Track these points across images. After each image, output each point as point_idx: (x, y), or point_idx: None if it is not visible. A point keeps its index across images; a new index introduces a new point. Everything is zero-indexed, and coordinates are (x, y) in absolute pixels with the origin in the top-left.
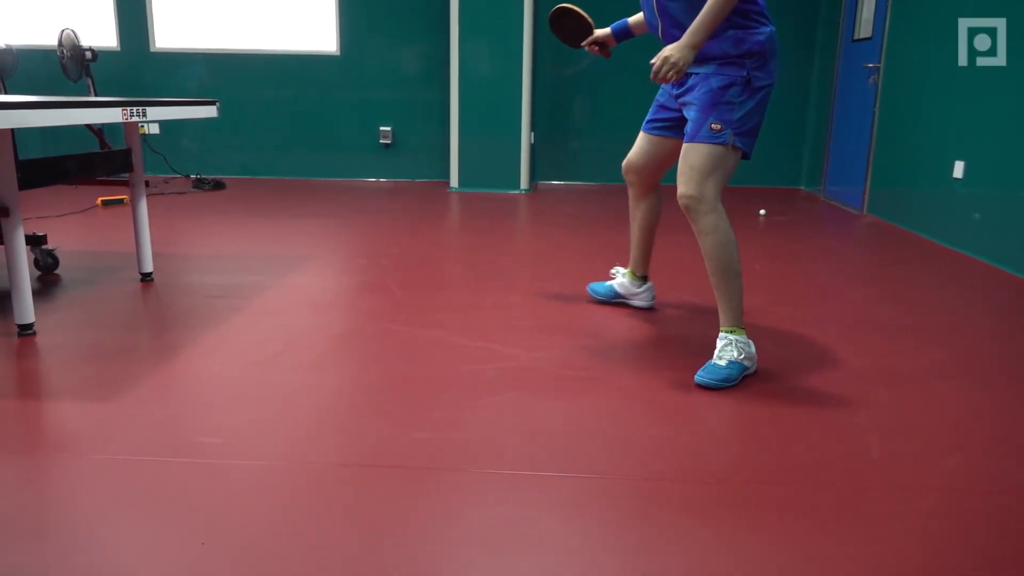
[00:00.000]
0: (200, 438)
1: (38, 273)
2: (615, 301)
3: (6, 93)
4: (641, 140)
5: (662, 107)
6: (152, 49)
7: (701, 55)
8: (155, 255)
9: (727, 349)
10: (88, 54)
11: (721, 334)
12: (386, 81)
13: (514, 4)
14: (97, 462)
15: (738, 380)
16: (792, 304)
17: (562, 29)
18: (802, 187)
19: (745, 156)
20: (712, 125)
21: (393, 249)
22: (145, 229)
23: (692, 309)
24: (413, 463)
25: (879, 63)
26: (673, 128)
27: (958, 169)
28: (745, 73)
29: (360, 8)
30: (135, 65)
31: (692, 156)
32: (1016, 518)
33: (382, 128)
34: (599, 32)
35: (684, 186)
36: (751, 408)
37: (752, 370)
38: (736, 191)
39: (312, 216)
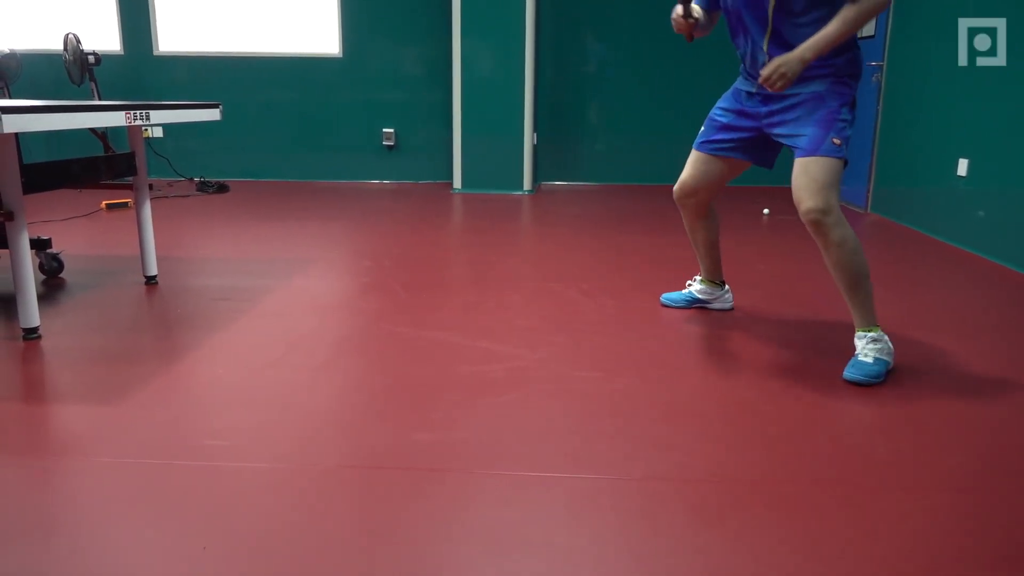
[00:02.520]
0: (204, 441)
1: (43, 277)
2: (695, 306)
3: (10, 98)
4: (700, 162)
5: (727, 127)
6: (155, 53)
7: (814, 72)
8: (159, 258)
9: (870, 347)
10: (91, 58)
11: (859, 333)
12: (388, 82)
13: (516, 5)
14: (102, 465)
15: (885, 376)
16: (796, 303)
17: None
18: None
19: None
20: (834, 140)
21: (396, 250)
22: (149, 232)
23: (692, 308)
24: (416, 464)
25: (882, 62)
26: (740, 149)
27: (962, 167)
28: (854, 93)
29: (362, 10)
30: (139, 69)
31: (815, 170)
32: None
33: (385, 130)
34: (695, 10)
35: (811, 200)
36: (755, 407)
37: (891, 364)
38: (740, 190)
39: (316, 218)
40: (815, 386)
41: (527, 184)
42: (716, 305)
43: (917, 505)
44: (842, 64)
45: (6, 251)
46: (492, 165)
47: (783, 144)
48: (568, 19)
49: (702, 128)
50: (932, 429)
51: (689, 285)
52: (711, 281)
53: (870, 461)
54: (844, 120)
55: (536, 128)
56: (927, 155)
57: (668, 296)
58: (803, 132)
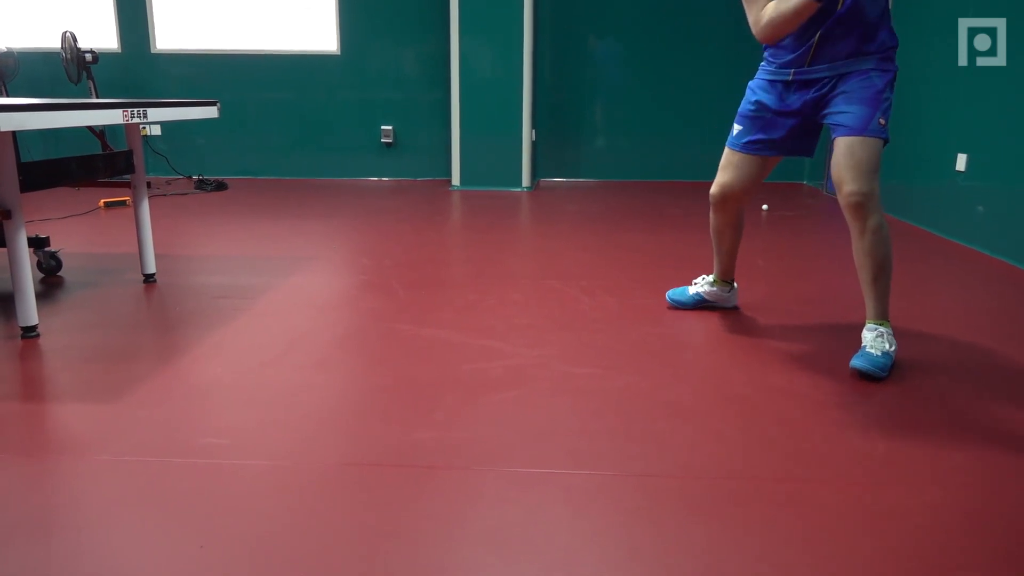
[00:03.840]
0: (204, 439)
1: (41, 275)
2: (701, 308)
3: (8, 96)
4: (742, 162)
5: (769, 125)
6: (153, 50)
7: (861, 50)
8: (158, 256)
9: (879, 341)
10: (89, 56)
11: (871, 325)
12: (387, 80)
13: (514, 1)
14: (101, 463)
15: (890, 371)
16: (795, 299)
17: None
18: (805, 182)
19: None
20: (880, 120)
21: (396, 248)
22: (147, 230)
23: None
24: (417, 462)
25: None
26: (783, 146)
27: (961, 162)
28: (896, 67)
29: (360, 8)
30: (136, 67)
31: (861, 151)
32: None
33: (383, 127)
34: None
35: (856, 183)
36: (756, 403)
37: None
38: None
39: (314, 216)
40: (816, 383)
41: (526, 181)
42: (722, 304)
43: (917, 501)
44: (887, 35)
45: (4, 250)
46: (491, 162)
47: (827, 123)
48: (566, 16)
49: (736, 126)
50: (932, 425)
51: (695, 284)
52: (723, 281)
53: (870, 458)
54: (888, 98)
55: (535, 125)
56: (925, 150)
57: (674, 296)
58: (848, 110)
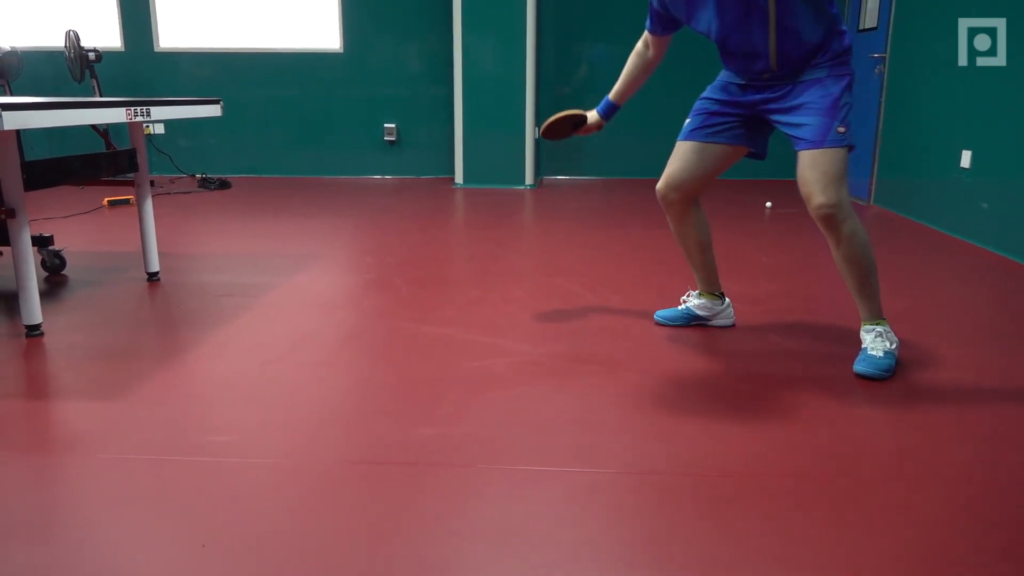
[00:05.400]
0: (208, 437)
1: (45, 274)
2: (693, 324)
3: (12, 95)
4: (688, 151)
5: (718, 113)
6: (156, 49)
7: (810, 59)
8: (161, 255)
9: (878, 340)
10: (92, 55)
11: (867, 327)
12: (390, 78)
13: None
14: (105, 461)
15: (894, 370)
16: (799, 296)
17: (555, 133)
18: None
19: None
20: (839, 128)
21: (399, 246)
22: (151, 229)
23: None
24: (421, 460)
25: (885, 53)
26: (733, 131)
27: (965, 158)
28: (852, 71)
29: (363, 5)
30: (140, 65)
31: (824, 162)
32: None
33: (387, 125)
34: (589, 118)
35: (822, 195)
36: (760, 401)
37: (896, 358)
38: (742, 184)
39: (317, 214)
40: (820, 381)
41: (529, 179)
42: (717, 322)
43: (920, 499)
44: (835, 42)
45: (8, 248)
46: (494, 160)
47: (784, 132)
48: (569, 13)
49: (687, 121)
50: (936, 423)
51: (684, 301)
52: (710, 294)
53: (874, 455)
54: (847, 104)
55: (537, 122)
56: (930, 147)
57: (663, 314)
58: (806, 122)
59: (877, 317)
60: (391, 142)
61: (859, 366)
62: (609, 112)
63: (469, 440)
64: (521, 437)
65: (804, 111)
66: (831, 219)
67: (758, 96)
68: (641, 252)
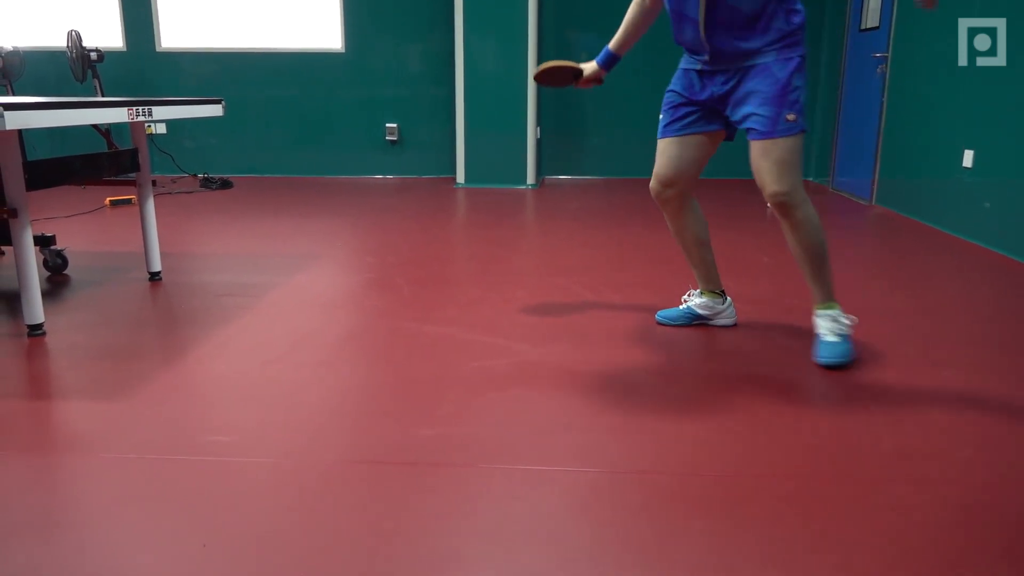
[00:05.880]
0: (209, 436)
1: (47, 274)
2: (694, 324)
3: (14, 95)
4: (670, 147)
5: (679, 106)
6: (158, 49)
7: (755, 44)
8: (163, 254)
9: (833, 326)
10: (94, 55)
11: (820, 311)
12: (392, 78)
13: None
14: (106, 461)
15: (853, 351)
16: (802, 296)
17: (551, 80)
18: (810, 178)
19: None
20: (788, 116)
21: (400, 246)
22: (153, 229)
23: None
24: (422, 459)
25: (887, 53)
26: (703, 118)
27: (967, 158)
28: (802, 51)
29: (364, 5)
30: (141, 65)
31: (775, 152)
32: None
33: (388, 125)
34: (587, 69)
35: (775, 184)
36: (761, 400)
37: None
38: (744, 183)
39: (319, 214)
40: (820, 379)
41: (531, 178)
42: (718, 321)
43: (923, 499)
44: (782, 23)
45: (10, 248)
46: (495, 159)
47: (736, 125)
48: (571, 12)
49: (660, 116)
50: (937, 421)
51: (685, 301)
52: (711, 292)
53: (874, 455)
54: (796, 88)
55: (539, 122)
56: (932, 146)
57: (664, 314)
58: (755, 111)
59: (829, 300)
60: (392, 142)
61: (820, 357)
62: (609, 62)
63: (469, 440)
64: (521, 437)
65: (752, 100)
66: (785, 206)
67: (706, 94)
68: (642, 252)
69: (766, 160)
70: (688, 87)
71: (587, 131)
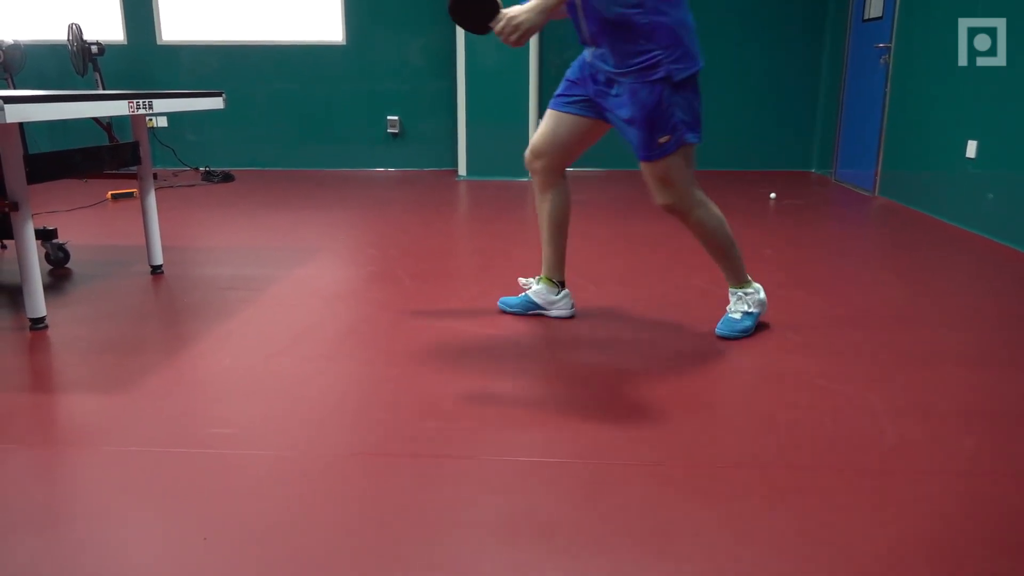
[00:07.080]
0: (211, 429)
1: (49, 267)
2: (531, 313)
3: (14, 88)
4: (550, 120)
5: (573, 83)
6: (159, 42)
7: (617, 61)
8: (165, 248)
9: (739, 303)
10: (95, 48)
11: (731, 291)
12: (393, 70)
13: None
14: (108, 454)
15: (754, 328)
16: (804, 287)
17: (465, 18)
18: (813, 170)
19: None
20: (660, 140)
21: (402, 239)
22: (154, 222)
23: (687, 298)
24: (425, 451)
25: (890, 43)
26: (586, 106)
27: (971, 149)
28: (664, 73)
29: None
30: (142, 58)
31: (656, 171)
32: None
33: (390, 118)
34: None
35: (660, 198)
36: (764, 391)
37: (763, 312)
38: (746, 175)
39: (321, 207)
40: (824, 370)
41: None
42: (554, 312)
43: (925, 491)
44: (643, 43)
45: (12, 241)
46: (497, 152)
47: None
48: None
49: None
50: (940, 413)
51: (525, 288)
52: (549, 280)
53: (878, 447)
54: (670, 105)
55: (541, 115)
56: (935, 137)
57: (506, 301)
58: (631, 136)
59: (741, 282)
60: (394, 134)
61: (719, 328)
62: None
63: (472, 432)
64: (525, 429)
65: (629, 124)
66: (675, 213)
67: (593, 89)
68: (645, 244)
69: (650, 177)
70: (579, 70)
71: None
